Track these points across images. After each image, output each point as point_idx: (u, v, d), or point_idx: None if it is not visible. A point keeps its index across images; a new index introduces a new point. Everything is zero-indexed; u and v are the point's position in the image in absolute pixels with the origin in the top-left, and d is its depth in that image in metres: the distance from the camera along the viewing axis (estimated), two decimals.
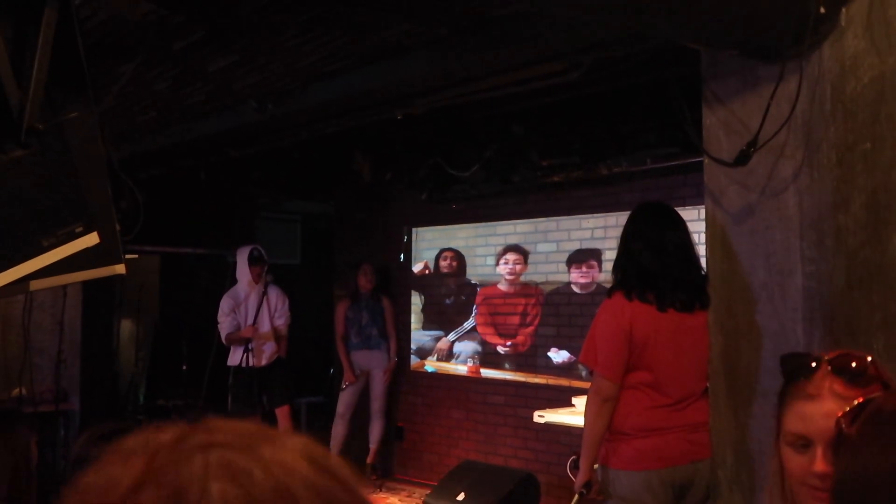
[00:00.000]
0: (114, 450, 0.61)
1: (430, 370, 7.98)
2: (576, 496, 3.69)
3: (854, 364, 1.56)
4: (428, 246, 8.10)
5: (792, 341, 2.93)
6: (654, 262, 3.44)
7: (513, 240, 7.34)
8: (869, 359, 1.58)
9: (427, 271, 8.03)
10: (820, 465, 1.51)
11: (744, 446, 3.08)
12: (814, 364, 1.58)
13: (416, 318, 8.15)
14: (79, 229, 2.54)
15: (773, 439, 1.62)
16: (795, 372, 1.60)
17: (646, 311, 3.40)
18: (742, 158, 2.93)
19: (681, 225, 3.58)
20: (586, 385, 5.12)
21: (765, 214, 3.01)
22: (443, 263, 7.95)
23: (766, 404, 3.00)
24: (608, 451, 3.45)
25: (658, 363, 3.39)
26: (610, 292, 3.54)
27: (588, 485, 3.48)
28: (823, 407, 1.52)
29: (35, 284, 2.60)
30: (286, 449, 0.62)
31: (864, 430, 1.28)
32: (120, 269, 2.78)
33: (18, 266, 2.41)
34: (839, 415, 1.35)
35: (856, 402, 1.35)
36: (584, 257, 6.76)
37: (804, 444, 1.54)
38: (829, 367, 1.56)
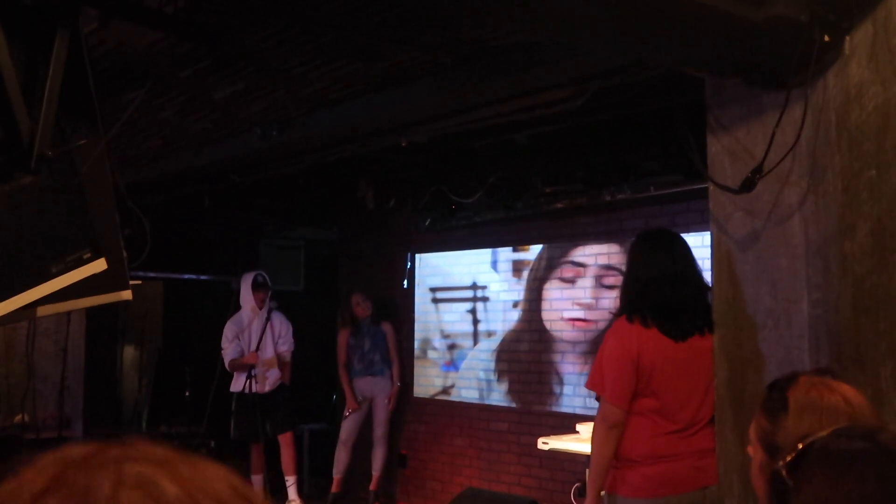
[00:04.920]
0: (31, 462, 0.63)
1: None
2: None
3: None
4: (431, 272, 8.11)
5: (798, 368, 2.92)
6: (662, 290, 3.45)
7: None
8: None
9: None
10: None
11: (750, 474, 3.06)
12: None
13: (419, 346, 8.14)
14: (87, 255, 2.55)
15: None
16: None
17: (653, 337, 3.40)
18: (747, 185, 2.94)
19: (686, 250, 3.59)
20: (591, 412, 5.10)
21: (770, 241, 3.02)
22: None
23: None
24: (616, 479, 3.43)
25: (666, 389, 3.38)
26: (616, 318, 3.54)
27: None
28: None
29: (42, 310, 2.61)
30: (203, 469, 0.63)
31: (812, 471, 1.30)
32: (127, 294, 2.79)
33: (27, 292, 2.42)
34: (778, 465, 1.37)
35: (790, 457, 1.36)
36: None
37: None
38: None
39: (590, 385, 3.53)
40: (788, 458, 1.35)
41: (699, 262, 3.64)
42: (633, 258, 3.60)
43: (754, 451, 1.90)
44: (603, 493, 3.48)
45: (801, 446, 1.35)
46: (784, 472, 1.33)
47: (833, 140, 2.83)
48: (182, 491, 0.59)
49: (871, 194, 2.73)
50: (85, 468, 0.60)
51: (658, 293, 3.44)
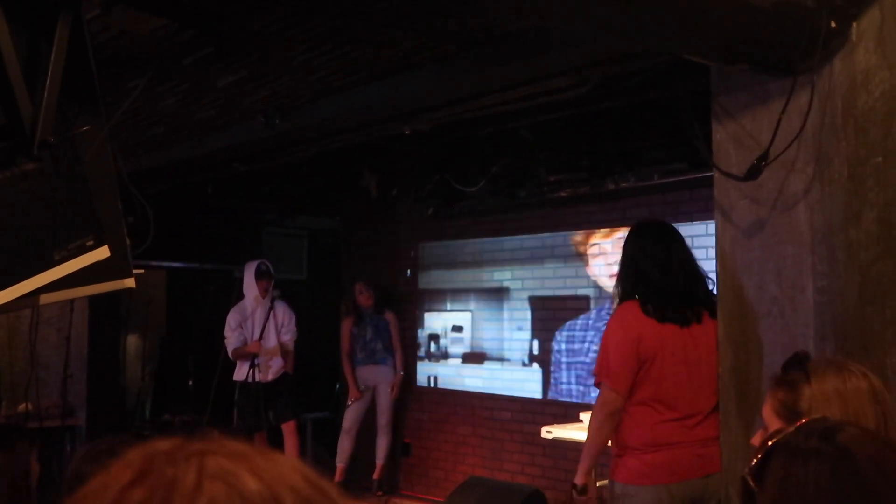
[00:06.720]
0: (117, 459, 0.66)
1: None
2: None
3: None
4: (435, 261, 8.10)
5: None
6: (663, 280, 3.45)
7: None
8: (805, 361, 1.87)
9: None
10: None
11: None
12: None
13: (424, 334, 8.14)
14: (90, 243, 2.54)
15: None
16: None
17: (653, 325, 3.39)
18: (752, 173, 2.92)
19: (681, 241, 3.60)
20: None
21: (775, 229, 3.00)
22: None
23: None
24: (617, 466, 3.43)
25: (666, 377, 3.37)
26: (618, 304, 3.54)
27: (584, 490, 3.48)
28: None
29: (45, 298, 2.61)
30: (279, 462, 0.66)
31: (773, 468, 1.34)
32: (130, 282, 2.79)
33: (30, 279, 2.41)
34: (745, 472, 1.38)
35: (755, 460, 1.37)
36: None
37: None
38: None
39: (597, 370, 3.52)
40: (753, 463, 1.36)
41: (692, 252, 3.65)
42: (630, 248, 3.59)
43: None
44: (602, 482, 3.48)
45: (769, 444, 1.36)
46: (750, 479, 1.35)
47: (839, 127, 2.81)
48: (262, 483, 0.62)
49: (878, 181, 2.72)
50: (170, 461, 0.63)
51: (656, 282, 3.44)
